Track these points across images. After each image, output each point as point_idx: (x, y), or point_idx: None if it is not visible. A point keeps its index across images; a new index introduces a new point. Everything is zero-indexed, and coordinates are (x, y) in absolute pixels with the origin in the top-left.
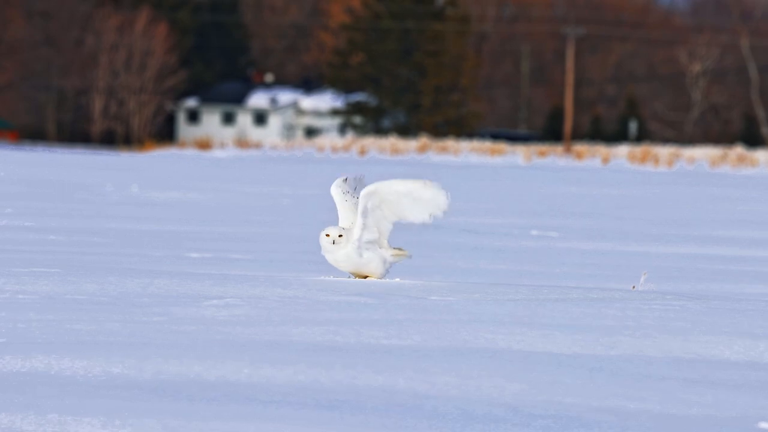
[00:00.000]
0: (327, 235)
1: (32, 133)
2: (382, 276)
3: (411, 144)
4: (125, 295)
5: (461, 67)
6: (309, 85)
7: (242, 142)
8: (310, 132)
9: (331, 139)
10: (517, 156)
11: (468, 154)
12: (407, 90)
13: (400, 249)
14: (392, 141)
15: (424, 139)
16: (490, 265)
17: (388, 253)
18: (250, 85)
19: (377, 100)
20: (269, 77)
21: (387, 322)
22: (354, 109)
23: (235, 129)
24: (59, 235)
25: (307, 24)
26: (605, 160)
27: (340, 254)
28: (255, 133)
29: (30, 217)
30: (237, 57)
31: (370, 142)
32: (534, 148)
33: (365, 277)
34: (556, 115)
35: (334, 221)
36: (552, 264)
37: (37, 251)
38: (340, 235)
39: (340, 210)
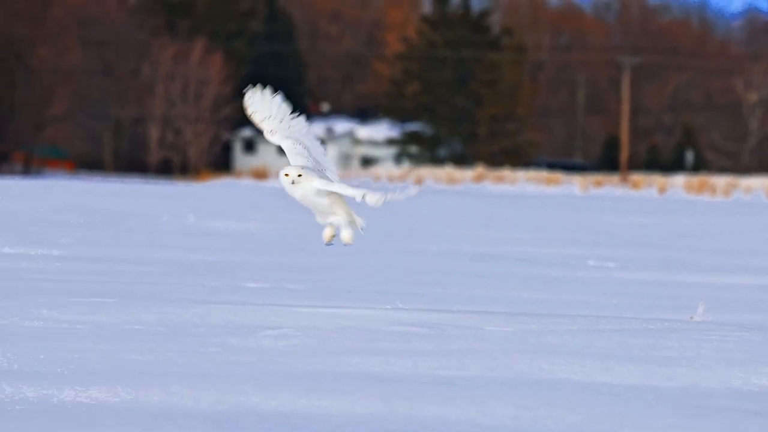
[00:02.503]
0: (286, 175)
1: (89, 163)
2: (345, 211)
3: (467, 173)
4: (182, 325)
5: (517, 96)
6: (365, 114)
7: None
8: (367, 161)
9: (387, 169)
10: (574, 186)
11: (524, 184)
12: (463, 119)
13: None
14: (448, 170)
15: (480, 169)
16: (547, 295)
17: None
18: (307, 114)
19: (433, 130)
20: (325, 107)
21: (443, 353)
22: (410, 138)
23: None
24: (116, 265)
25: (362, 53)
26: (662, 190)
27: (298, 194)
28: None
29: (86, 247)
30: (293, 87)
31: (427, 171)
32: (590, 178)
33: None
34: (612, 144)
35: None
36: (609, 294)
37: (94, 281)
38: (300, 175)
39: (290, 153)
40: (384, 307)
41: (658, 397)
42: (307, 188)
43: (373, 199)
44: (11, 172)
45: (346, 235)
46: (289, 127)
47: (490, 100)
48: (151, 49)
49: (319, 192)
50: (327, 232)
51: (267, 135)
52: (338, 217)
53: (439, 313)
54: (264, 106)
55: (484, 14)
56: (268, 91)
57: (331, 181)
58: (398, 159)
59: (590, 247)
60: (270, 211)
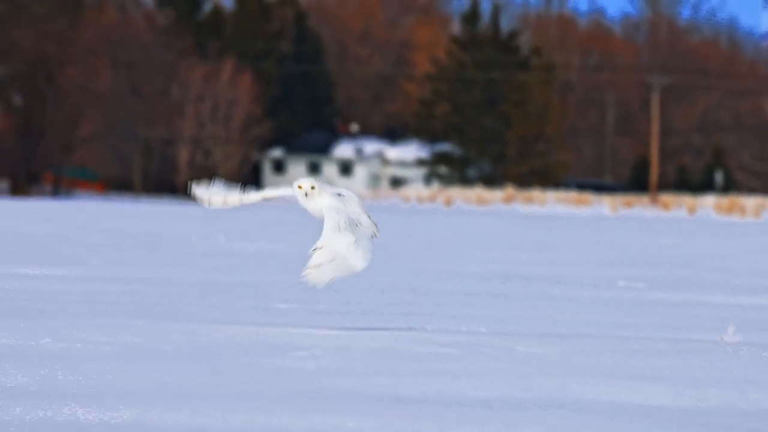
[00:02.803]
0: (299, 187)
1: (118, 184)
2: (334, 227)
3: (496, 194)
4: (211, 345)
5: (546, 116)
6: (394, 135)
7: None
8: (396, 182)
9: (416, 189)
10: (603, 206)
11: (554, 205)
12: (492, 140)
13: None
14: (478, 191)
15: (509, 189)
16: (577, 316)
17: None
18: (336, 135)
19: (462, 150)
20: (354, 127)
21: (474, 374)
22: (439, 159)
23: (320, 179)
24: (145, 286)
25: (391, 74)
26: (691, 211)
27: (310, 206)
28: (340, 183)
29: (116, 268)
30: (322, 107)
31: (456, 192)
32: (620, 199)
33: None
34: (642, 165)
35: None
36: (639, 314)
37: (123, 302)
38: (313, 187)
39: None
40: (414, 327)
41: (688, 418)
42: (318, 203)
43: (321, 257)
44: (41, 193)
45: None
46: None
47: (519, 121)
48: (180, 70)
49: (328, 209)
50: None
51: (244, 201)
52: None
53: (468, 333)
54: (215, 193)
55: (513, 35)
56: (209, 182)
57: (343, 198)
58: (428, 180)
59: (620, 268)
60: (300, 232)
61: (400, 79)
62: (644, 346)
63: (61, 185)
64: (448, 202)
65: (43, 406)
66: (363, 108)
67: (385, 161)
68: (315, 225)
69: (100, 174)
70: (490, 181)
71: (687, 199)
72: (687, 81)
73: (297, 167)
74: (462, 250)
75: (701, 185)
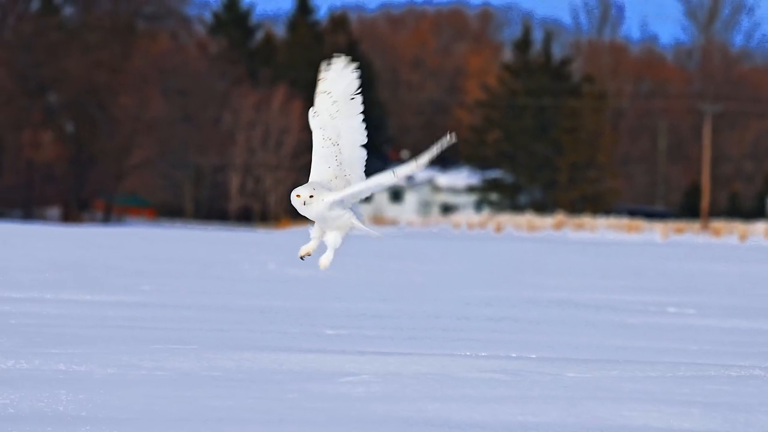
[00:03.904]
0: (298, 196)
1: (169, 210)
2: (343, 235)
3: (547, 221)
4: (261, 371)
5: (598, 143)
6: (445, 161)
7: (378, 220)
8: (446, 209)
9: (467, 216)
10: (655, 233)
11: (605, 231)
12: (544, 166)
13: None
14: (528, 218)
15: (560, 216)
16: (627, 342)
17: (356, 221)
18: (387, 162)
19: (513, 177)
20: (405, 154)
21: (523, 399)
22: (490, 185)
23: (371, 206)
24: (195, 312)
25: (443, 101)
26: (743, 237)
27: (312, 213)
28: (391, 210)
29: (166, 294)
30: (373, 134)
31: (507, 218)
32: (671, 225)
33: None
34: (693, 192)
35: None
36: (689, 341)
37: (174, 328)
38: (311, 196)
39: (316, 152)
40: (463, 353)
41: None
42: (320, 207)
43: (403, 171)
44: (92, 220)
45: (326, 259)
46: (337, 111)
47: (570, 148)
48: (232, 98)
49: (333, 206)
50: (308, 246)
51: (310, 114)
52: (335, 236)
53: (518, 359)
54: (335, 80)
55: (565, 62)
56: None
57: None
58: (478, 206)
59: (670, 294)
60: (348, 258)
61: (451, 106)
62: (695, 372)
63: (112, 212)
64: (499, 229)
65: (94, 430)
66: (415, 135)
67: (436, 188)
68: (359, 250)
69: (151, 201)
70: (541, 207)
71: (738, 226)
72: (739, 108)
73: None
74: (512, 277)
75: (753, 212)
